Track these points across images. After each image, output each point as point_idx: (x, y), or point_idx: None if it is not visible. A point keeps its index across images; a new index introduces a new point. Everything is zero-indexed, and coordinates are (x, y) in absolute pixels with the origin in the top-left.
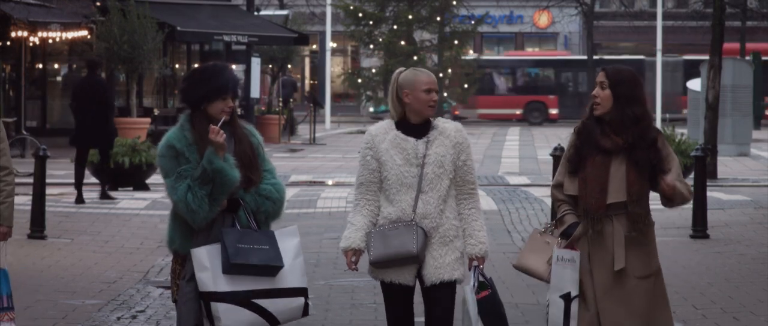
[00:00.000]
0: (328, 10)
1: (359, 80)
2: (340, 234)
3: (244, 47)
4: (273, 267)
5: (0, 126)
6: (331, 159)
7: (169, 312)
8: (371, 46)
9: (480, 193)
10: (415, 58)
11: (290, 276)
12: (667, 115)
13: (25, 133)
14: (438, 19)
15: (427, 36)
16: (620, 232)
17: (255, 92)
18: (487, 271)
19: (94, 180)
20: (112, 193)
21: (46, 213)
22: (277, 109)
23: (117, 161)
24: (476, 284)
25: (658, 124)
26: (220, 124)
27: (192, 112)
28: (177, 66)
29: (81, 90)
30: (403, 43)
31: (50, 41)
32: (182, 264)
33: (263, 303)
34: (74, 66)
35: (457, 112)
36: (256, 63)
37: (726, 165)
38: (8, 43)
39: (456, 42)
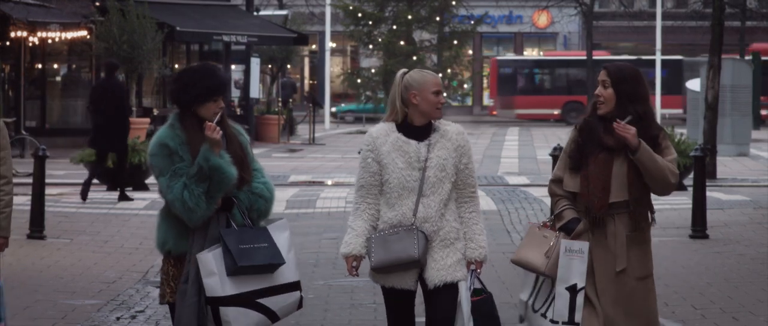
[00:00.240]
0: (328, 10)
1: (359, 80)
2: (340, 234)
3: (243, 47)
4: (275, 266)
5: (3, 134)
6: (331, 159)
7: (168, 312)
8: (370, 46)
9: (479, 193)
10: (415, 58)
11: (286, 271)
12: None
13: (24, 133)
14: (437, 19)
15: (427, 36)
16: (622, 232)
17: (254, 92)
18: (487, 271)
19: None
20: (112, 193)
21: (46, 213)
22: (276, 109)
23: (115, 161)
24: (472, 287)
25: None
26: (216, 122)
27: (182, 112)
28: (176, 66)
29: (99, 92)
30: (402, 43)
31: (49, 41)
32: (176, 265)
33: (265, 301)
34: (74, 66)
35: (494, 113)
36: (255, 63)
37: (725, 165)
38: (8, 43)
39: (455, 42)
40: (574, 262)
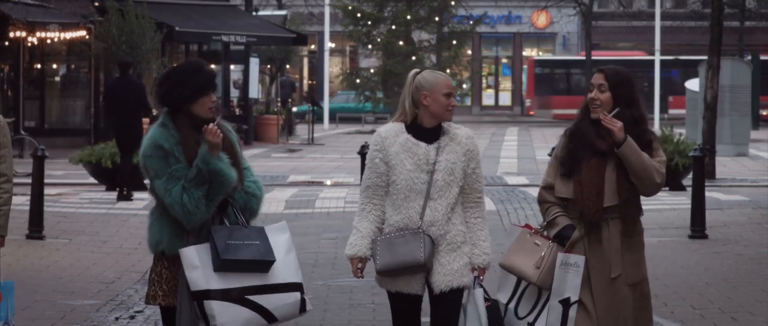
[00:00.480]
0: (327, 11)
1: (358, 80)
2: (339, 234)
3: (242, 47)
4: (265, 262)
5: (5, 132)
6: (330, 159)
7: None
8: (370, 47)
9: None
10: (414, 58)
11: (283, 271)
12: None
13: (23, 133)
14: (436, 19)
15: (426, 36)
16: (616, 237)
17: (253, 92)
18: (487, 271)
19: (93, 180)
20: (111, 193)
21: (45, 213)
22: (275, 109)
23: (114, 161)
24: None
25: (656, 125)
26: (215, 124)
27: (173, 112)
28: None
29: (114, 91)
30: (401, 43)
31: (49, 41)
32: (169, 267)
33: (258, 299)
34: (73, 66)
35: (532, 113)
36: (254, 63)
37: (724, 165)
38: (6, 43)
39: (454, 42)
40: (569, 275)
